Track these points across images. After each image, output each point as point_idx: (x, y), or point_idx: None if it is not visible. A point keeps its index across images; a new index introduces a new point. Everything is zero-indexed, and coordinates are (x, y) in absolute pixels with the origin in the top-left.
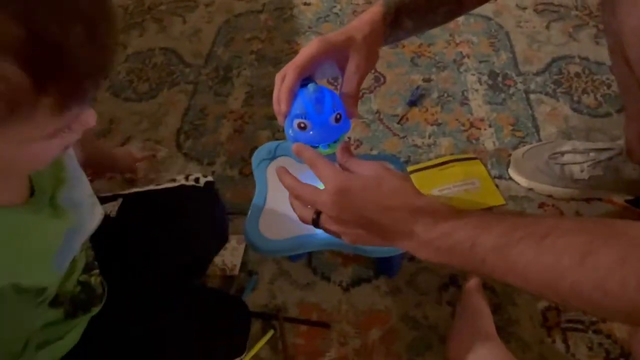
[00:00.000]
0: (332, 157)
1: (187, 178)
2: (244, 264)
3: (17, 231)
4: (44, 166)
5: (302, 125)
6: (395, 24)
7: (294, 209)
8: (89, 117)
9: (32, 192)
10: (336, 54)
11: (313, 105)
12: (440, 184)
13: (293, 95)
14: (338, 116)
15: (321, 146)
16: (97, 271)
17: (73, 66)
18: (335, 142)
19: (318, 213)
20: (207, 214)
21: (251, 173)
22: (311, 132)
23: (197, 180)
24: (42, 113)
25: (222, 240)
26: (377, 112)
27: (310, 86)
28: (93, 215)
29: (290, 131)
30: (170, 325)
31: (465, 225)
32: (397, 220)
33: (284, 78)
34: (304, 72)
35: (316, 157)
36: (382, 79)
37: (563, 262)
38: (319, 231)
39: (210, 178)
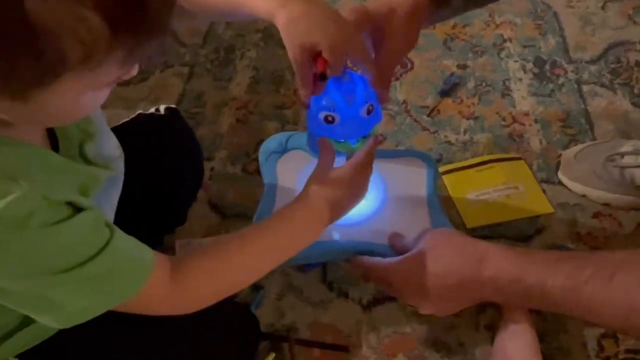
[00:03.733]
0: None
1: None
2: None
3: (55, 168)
4: (83, 116)
5: (330, 118)
6: (442, 1)
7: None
8: (134, 69)
9: (55, 143)
10: (373, 27)
11: (343, 95)
12: (478, 188)
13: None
14: (370, 107)
15: (349, 141)
16: None
17: (147, 22)
18: (365, 137)
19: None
20: (175, 142)
21: (256, 170)
22: (340, 126)
23: (157, 109)
24: (110, 63)
25: (198, 172)
26: (404, 102)
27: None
28: (123, 167)
29: (315, 123)
30: (172, 326)
31: (531, 268)
32: (465, 279)
33: None
34: None
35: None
36: (409, 65)
37: (637, 300)
38: (339, 237)
39: (172, 105)
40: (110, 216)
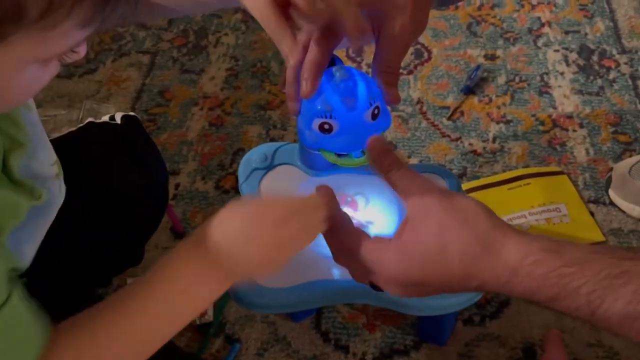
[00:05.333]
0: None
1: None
2: (221, 324)
3: None
4: (22, 101)
5: (327, 126)
6: None
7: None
8: (82, 47)
9: None
10: (369, 8)
11: (342, 97)
12: (510, 210)
13: (322, 74)
14: (376, 111)
15: (353, 154)
16: None
17: None
18: None
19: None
20: (132, 160)
21: (234, 188)
22: (339, 136)
23: (112, 118)
24: (70, 24)
25: (161, 198)
26: (419, 102)
27: (337, 70)
28: (61, 190)
29: (307, 132)
30: None
31: (577, 284)
32: (482, 287)
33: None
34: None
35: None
36: (425, 55)
37: None
38: (339, 275)
39: (131, 113)
40: (29, 253)
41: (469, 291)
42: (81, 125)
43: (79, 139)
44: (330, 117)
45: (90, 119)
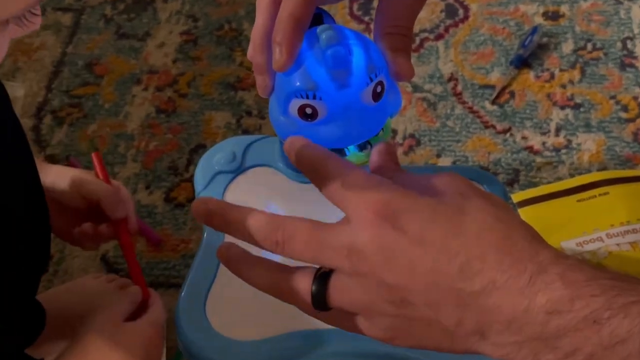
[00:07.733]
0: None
1: None
2: None
3: None
4: None
5: (309, 110)
6: None
7: (256, 281)
8: (37, 18)
9: None
10: None
11: (330, 69)
12: (580, 230)
13: (302, 36)
14: (378, 88)
15: (347, 150)
16: None
17: None
18: (373, 140)
19: (324, 275)
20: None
21: (190, 200)
22: (326, 124)
23: None
24: None
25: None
26: (451, 79)
27: (322, 30)
28: None
29: (282, 119)
30: None
31: (630, 311)
32: (489, 292)
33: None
34: None
35: (325, 156)
36: (461, 12)
37: None
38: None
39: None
40: None
41: (459, 289)
42: None
43: None
44: (314, 98)
45: None
